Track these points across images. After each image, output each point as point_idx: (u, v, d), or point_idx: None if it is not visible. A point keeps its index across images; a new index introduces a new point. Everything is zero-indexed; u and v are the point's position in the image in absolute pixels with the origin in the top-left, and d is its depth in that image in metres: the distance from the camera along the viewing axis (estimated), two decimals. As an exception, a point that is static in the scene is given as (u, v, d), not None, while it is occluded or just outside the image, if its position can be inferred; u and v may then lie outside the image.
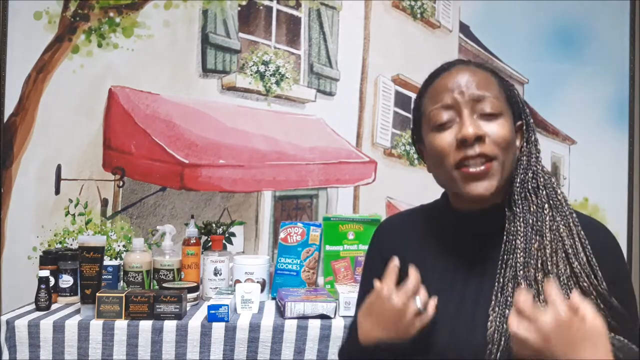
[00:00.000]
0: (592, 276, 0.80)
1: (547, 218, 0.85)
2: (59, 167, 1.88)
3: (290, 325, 1.34)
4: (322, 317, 1.37)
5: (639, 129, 2.07)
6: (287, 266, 1.62)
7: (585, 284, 0.80)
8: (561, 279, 0.80)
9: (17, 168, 1.87)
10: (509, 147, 0.85)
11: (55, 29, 1.89)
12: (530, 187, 0.87)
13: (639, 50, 2.07)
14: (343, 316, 1.40)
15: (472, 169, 0.83)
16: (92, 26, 1.90)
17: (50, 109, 1.88)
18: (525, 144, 0.91)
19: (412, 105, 0.98)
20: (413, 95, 2.05)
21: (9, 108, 1.87)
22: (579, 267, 0.81)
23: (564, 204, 0.86)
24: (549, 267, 0.81)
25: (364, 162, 2.01)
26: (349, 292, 1.45)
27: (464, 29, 2.06)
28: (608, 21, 2.07)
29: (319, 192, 2.00)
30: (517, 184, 0.88)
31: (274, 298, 1.59)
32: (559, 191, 0.88)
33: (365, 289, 1.03)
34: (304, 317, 1.36)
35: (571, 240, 0.83)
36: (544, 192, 0.87)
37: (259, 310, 1.45)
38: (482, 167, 0.83)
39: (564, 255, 0.82)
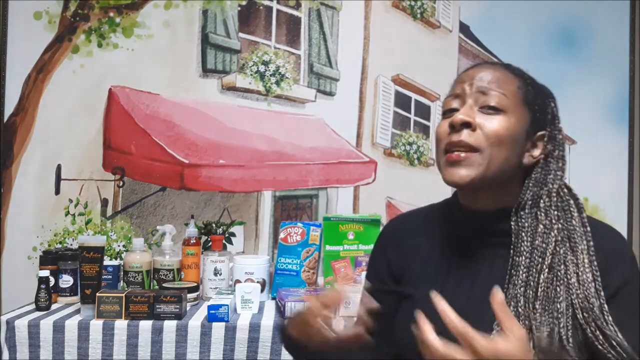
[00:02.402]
0: (598, 310, 0.77)
1: (553, 241, 0.82)
2: (59, 167, 1.88)
3: (290, 325, 1.34)
4: (322, 317, 1.37)
5: (639, 129, 2.07)
6: (287, 266, 1.62)
7: (585, 315, 0.77)
8: (560, 306, 0.78)
9: (17, 168, 1.87)
10: (501, 143, 0.84)
11: (55, 29, 1.89)
12: (542, 205, 0.85)
13: (639, 50, 2.07)
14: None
15: (452, 155, 0.85)
16: (92, 26, 1.90)
17: (50, 109, 1.88)
18: (544, 157, 0.88)
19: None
20: (413, 95, 2.05)
21: (9, 108, 1.87)
22: (581, 297, 0.78)
23: (578, 230, 0.83)
24: (540, 291, 0.79)
25: (364, 162, 2.01)
26: (348, 292, 1.45)
27: (464, 29, 2.06)
28: (608, 21, 2.07)
29: (319, 192, 2.00)
30: (528, 197, 0.86)
31: (274, 298, 1.59)
32: (575, 214, 0.84)
33: (366, 284, 1.03)
34: (304, 317, 1.36)
35: (576, 269, 0.80)
36: (556, 213, 0.84)
37: (259, 310, 1.45)
38: (462, 155, 0.84)
39: (566, 284, 0.79)
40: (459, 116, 0.84)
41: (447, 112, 0.89)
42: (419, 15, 2.04)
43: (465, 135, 0.84)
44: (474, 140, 0.84)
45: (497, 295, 0.70)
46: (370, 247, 1.64)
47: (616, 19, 2.07)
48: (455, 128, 0.85)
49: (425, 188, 2.00)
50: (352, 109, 2.01)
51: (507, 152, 0.85)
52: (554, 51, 2.06)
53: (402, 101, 2.04)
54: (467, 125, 0.84)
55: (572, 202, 0.86)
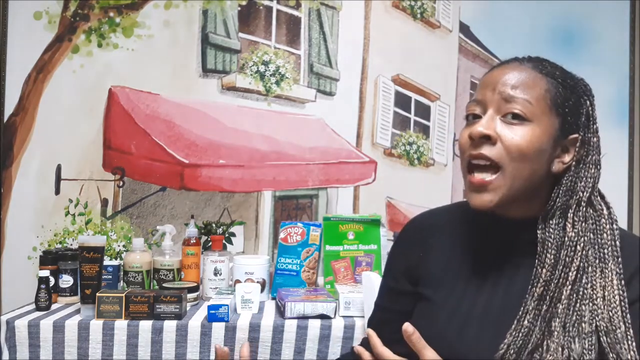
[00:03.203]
0: (623, 332, 0.74)
1: (578, 255, 0.78)
2: (59, 167, 1.88)
3: (290, 325, 1.35)
4: (322, 317, 1.37)
5: (639, 129, 2.07)
6: (287, 266, 1.62)
7: (607, 339, 0.74)
8: (584, 327, 0.75)
9: (17, 168, 1.87)
10: (524, 158, 0.79)
11: (55, 29, 1.89)
12: (570, 215, 0.80)
13: (639, 50, 2.07)
14: (343, 316, 1.40)
15: (475, 176, 0.81)
16: (92, 26, 1.90)
17: (50, 109, 1.88)
18: (575, 163, 0.82)
19: None
20: (413, 95, 2.05)
21: (9, 108, 1.86)
22: (606, 319, 0.75)
23: (609, 246, 0.79)
24: (560, 309, 0.76)
25: (364, 162, 2.01)
26: (349, 292, 1.45)
27: (464, 29, 2.06)
28: (608, 21, 2.07)
29: (319, 192, 2.00)
30: (557, 206, 0.81)
31: (274, 298, 1.59)
32: (607, 227, 0.80)
33: (382, 284, 1.02)
34: (304, 317, 1.36)
35: (602, 290, 0.76)
36: (585, 225, 0.80)
37: (259, 310, 1.45)
38: (486, 179, 0.80)
39: (590, 304, 0.76)
40: (478, 128, 0.80)
41: (470, 118, 0.85)
42: (419, 15, 2.04)
43: (485, 149, 0.80)
44: (494, 154, 0.80)
45: (407, 330, 0.81)
46: (371, 247, 1.66)
47: (616, 19, 2.07)
48: (474, 141, 0.81)
49: (425, 188, 2.00)
50: (352, 109, 2.01)
51: (532, 165, 0.80)
52: (554, 51, 2.05)
53: (402, 101, 2.04)
54: (487, 138, 0.80)
55: (605, 212, 0.81)
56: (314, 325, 1.35)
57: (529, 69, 0.84)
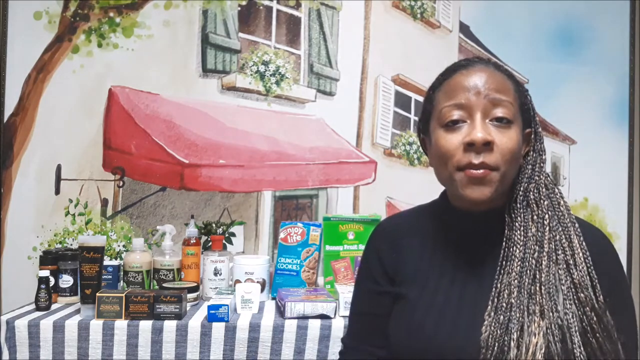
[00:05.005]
0: (590, 288, 0.81)
1: (547, 229, 0.84)
2: (59, 167, 1.88)
3: (290, 325, 1.35)
4: (322, 317, 1.37)
5: (639, 129, 2.07)
6: (287, 266, 1.62)
7: (582, 295, 0.80)
8: (563, 288, 0.81)
9: (17, 168, 1.87)
10: (513, 158, 0.84)
11: (55, 29, 1.89)
12: (532, 197, 0.87)
13: (639, 50, 2.07)
14: (343, 316, 1.40)
15: (473, 172, 0.83)
16: (92, 26, 1.90)
17: (50, 109, 1.88)
18: (531, 152, 0.90)
19: (424, 96, 0.98)
20: (413, 95, 2.05)
21: (9, 108, 1.86)
22: (578, 278, 0.81)
23: (566, 216, 0.86)
24: (544, 277, 0.81)
25: (364, 162, 2.01)
26: (349, 292, 1.45)
27: (464, 29, 2.06)
28: (608, 21, 2.07)
29: (319, 192, 2.00)
30: (520, 193, 0.87)
31: (274, 298, 1.59)
32: (562, 202, 0.88)
33: (361, 291, 1.03)
34: (304, 317, 1.36)
35: (571, 251, 0.83)
36: (546, 203, 0.86)
37: (259, 310, 1.45)
38: (482, 171, 0.83)
39: (565, 266, 0.82)
40: (478, 134, 0.82)
41: (450, 124, 0.86)
42: (419, 15, 2.04)
43: (485, 156, 0.82)
44: (493, 161, 0.82)
45: None
46: (371, 247, 1.65)
47: (616, 19, 2.07)
48: (473, 147, 0.82)
49: (425, 188, 1.99)
50: (352, 109, 2.01)
51: (517, 163, 0.87)
52: (554, 51, 2.06)
53: (402, 101, 2.04)
54: (488, 144, 0.82)
55: (555, 189, 0.89)
56: (314, 325, 1.35)
57: (497, 71, 0.88)
